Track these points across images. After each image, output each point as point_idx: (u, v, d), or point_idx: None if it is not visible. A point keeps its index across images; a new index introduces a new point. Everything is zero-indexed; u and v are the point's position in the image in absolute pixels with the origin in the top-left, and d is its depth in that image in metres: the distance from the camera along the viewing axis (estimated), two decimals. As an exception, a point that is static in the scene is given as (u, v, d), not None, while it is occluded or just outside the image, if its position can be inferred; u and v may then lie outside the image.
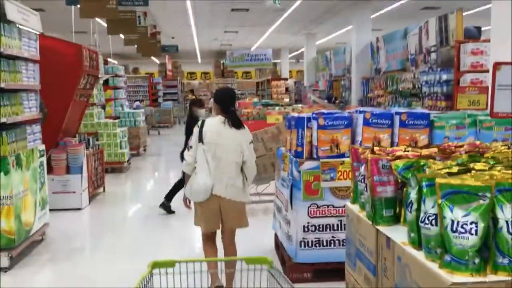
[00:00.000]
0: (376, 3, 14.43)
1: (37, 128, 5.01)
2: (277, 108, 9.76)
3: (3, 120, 4.18)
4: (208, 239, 3.74)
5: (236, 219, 3.67)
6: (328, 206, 3.88)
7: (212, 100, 14.57)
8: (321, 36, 21.96)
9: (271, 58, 21.46)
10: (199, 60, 31.32)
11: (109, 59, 19.48)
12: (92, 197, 7.31)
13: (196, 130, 3.65)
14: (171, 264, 2.03)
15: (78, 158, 6.60)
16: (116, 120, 9.99)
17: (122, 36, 15.40)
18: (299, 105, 11.52)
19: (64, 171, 6.58)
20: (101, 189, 7.89)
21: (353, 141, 3.97)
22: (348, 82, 16.77)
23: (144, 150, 13.16)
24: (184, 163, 3.70)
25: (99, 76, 9.89)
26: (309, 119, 4.02)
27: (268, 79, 25.02)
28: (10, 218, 4.22)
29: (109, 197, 7.83)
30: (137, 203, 7.75)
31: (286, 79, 25.34)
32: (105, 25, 12.53)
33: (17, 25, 4.52)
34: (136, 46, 16.44)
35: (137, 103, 20.19)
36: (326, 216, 3.87)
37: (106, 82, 11.74)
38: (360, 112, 3.96)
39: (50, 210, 6.48)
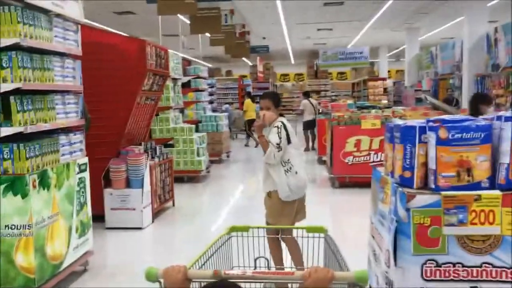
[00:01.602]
0: (495, -13, 12.35)
1: (76, 137, 4.18)
2: (373, 111, 8.33)
3: (20, 129, 3.35)
4: (277, 239, 3.71)
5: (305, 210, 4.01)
6: (454, 264, 2.51)
7: (302, 102, 13.41)
8: (424, 31, 19.86)
9: (368, 56, 19.78)
10: (292, 61, 30.34)
11: (197, 60, 19.14)
12: (157, 214, 6.46)
13: (283, 132, 3.81)
14: (246, 229, 2.41)
15: (139, 170, 5.76)
16: (193, 125, 9.17)
17: (209, 35, 14.80)
18: (400, 108, 9.94)
19: (124, 185, 5.78)
20: (170, 203, 7.04)
21: (494, 163, 2.58)
22: (457, 81, 14.72)
23: (228, 156, 12.31)
24: (271, 161, 3.79)
25: (177, 77, 9.17)
26: (423, 130, 2.68)
27: (365, 79, 23.36)
28: (29, 252, 3.38)
29: (179, 212, 6.94)
30: (212, 220, 6.72)
31: (384, 79, 23.47)
32: (193, 25, 11.87)
33: (49, 13, 3.71)
34: (224, 47, 15.80)
35: (226, 106, 19.67)
36: (452, 280, 2.51)
37: (188, 84, 11.06)
38: (507, 119, 2.55)
39: (108, 228, 5.76)
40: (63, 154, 3.91)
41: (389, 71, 27.16)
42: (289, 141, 3.82)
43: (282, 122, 3.86)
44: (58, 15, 3.86)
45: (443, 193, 2.53)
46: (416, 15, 16.30)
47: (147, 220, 5.92)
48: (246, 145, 15.14)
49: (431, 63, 18.58)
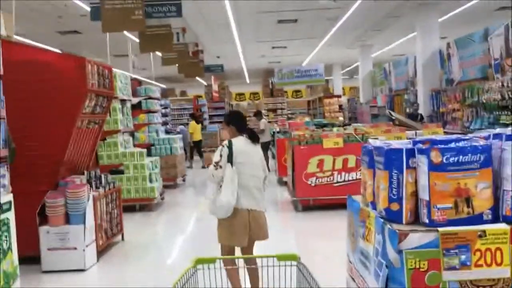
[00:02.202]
0: (444, 3, 12.46)
1: (-3, 171, 3.52)
2: (335, 129, 7.99)
3: None
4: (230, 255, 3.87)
5: (263, 231, 3.89)
6: (458, 317, 2.07)
7: (262, 121, 12.96)
8: (376, 48, 20.06)
9: (323, 73, 19.72)
10: (247, 80, 30.14)
11: (150, 81, 18.47)
12: (104, 251, 5.76)
13: (225, 151, 3.81)
14: (212, 260, 2.20)
15: (80, 204, 5.09)
16: (144, 149, 8.53)
17: (160, 54, 14.26)
18: (361, 124, 9.69)
19: (63, 221, 5.09)
20: (119, 237, 6.35)
21: (495, 191, 2.17)
22: (412, 96, 14.80)
23: (183, 180, 11.67)
24: (210, 179, 3.87)
25: (125, 98, 8.55)
26: (410, 153, 2.26)
27: (320, 97, 23.38)
28: None
29: (129, 248, 6.24)
30: (167, 253, 6.08)
31: (339, 96, 23.59)
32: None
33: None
34: (177, 66, 15.27)
35: (181, 127, 19.00)
36: (456, 338, 2.06)
37: (139, 105, 10.42)
38: (508, 137, 2.16)
39: (45, 272, 5.04)
40: (-23, 193, 3.25)
41: (343, 88, 27.35)
42: (229, 160, 3.76)
43: (229, 141, 3.88)
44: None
45: (441, 229, 2.09)
46: (369, 32, 16.38)
47: (90, 260, 5.22)
48: (203, 167, 14.61)
49: (385, 79, 18.74)
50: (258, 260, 2.69)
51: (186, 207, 9.21)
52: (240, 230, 3.76)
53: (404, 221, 2.22)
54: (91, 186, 5.60)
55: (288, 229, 7.06)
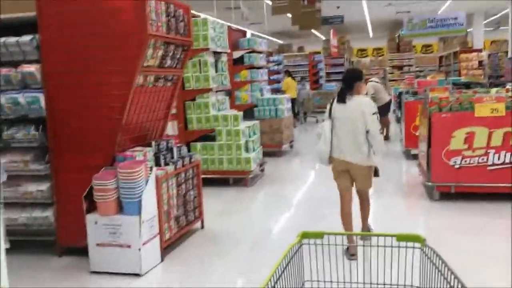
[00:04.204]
0: None
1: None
2: (493, 90, 5.80)
3: None
4: (343, 196, 4.24)
5: (362, 182, 4.24)
6: None
7: (368, 85, 10.73)
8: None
9: (465, 22, 16.58)
10: (370, 34, 27.32)
11: (265, 36, 17.02)
12: (173, 245, 4.52)
13: (328, 106, 4.22)
14: (320, 235, 2.05)
15: (135, 188, 3.82)
16: (239, 113, 7.11)
17: (271, 3, 12.68)
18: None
19: (114, 210, 3.89)
20: (198, 224, 5.09)
21: None
22: None
23: (291, 146, 10.19)
24: (316, 133, 4.41)
25: (220, 50, 7.17)
26: None
27: (455, 51, 20.11)
28: None
29: (209, 239, 4.90)
30: (259, 249, 4.66)
31: (479, 50, 20.09)
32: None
33: None
34: (290, 16, 13.62)
35: (298, 86, 17.43)
36: None
37: (241, 60, 9.03)
38: None
39: (93, 272, 3.93)
40: None
41: (483, 42, 23.46)
42: (329, 115, 4.15)
43: (333, 98, 4.24)
44: None
45: None
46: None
47: (150, 261, 3.98)
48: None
49: (546, 28, 15.17)
50: (374, 239, 2.08)
51: (290, 182, 7.61)
52: (337, 175, 4.22)
53: None
54: (158, 161, 4.33)
55: (420, 224, 5.23)
